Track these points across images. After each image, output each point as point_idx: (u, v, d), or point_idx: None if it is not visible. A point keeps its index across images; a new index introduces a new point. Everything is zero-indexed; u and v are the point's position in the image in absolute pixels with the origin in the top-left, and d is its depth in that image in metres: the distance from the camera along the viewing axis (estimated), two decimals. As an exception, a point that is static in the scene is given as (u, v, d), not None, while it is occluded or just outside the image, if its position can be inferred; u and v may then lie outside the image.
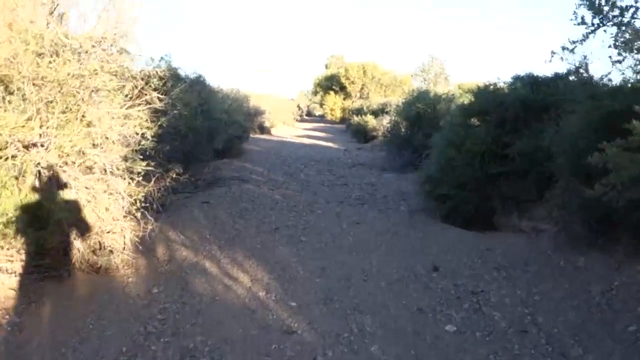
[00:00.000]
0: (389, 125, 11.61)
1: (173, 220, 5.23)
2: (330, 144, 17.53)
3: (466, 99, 6.64)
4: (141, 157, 4.37)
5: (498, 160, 5.36)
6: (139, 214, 4.09)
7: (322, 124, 33.75)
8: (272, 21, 72.41)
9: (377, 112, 19.57)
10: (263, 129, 20.67)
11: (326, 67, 40.14)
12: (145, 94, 4.36)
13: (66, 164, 3.68)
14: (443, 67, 45.46)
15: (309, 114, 50.93)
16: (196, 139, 7.82)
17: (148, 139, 4.31)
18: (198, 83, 9.60)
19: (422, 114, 9.60)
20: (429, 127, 9.44)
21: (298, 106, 42.74)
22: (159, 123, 4.99)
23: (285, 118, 28.11)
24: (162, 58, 9.72)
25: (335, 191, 7.48)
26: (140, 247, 4.06)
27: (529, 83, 5.71)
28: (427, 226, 5.48)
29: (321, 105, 38.86)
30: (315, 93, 41.34)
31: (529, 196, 5.13)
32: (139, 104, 4.25)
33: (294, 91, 55.89)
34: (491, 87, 5.81)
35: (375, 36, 67.10)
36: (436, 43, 68.44)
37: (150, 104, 4.53)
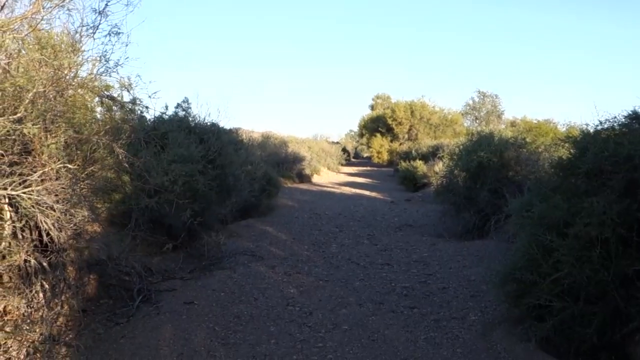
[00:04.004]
0: (443, 176, 9.55)
1: (123, 349, 3.50)
2: (374, 194, 15.55)
3: (562, 151, 4.53)
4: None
5: (634, 251, 3.27)
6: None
7: (368, 168, 31.95)
8: (318, 63, 72.59)
9: (427, 156, 17.55)
10: (302, 177, 19.06)
11: (371, 108, 38.52)
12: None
13: None
14: (495, 103, 42.72)
15: (356, 155, 49.32)
16: (201, 201, 6.26)
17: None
18: (211, 132, 8.12)
19: (485, 165, 7.52)
20: (496, 181, 7.41)
21: (344, 149, 41.22)
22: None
23: (330, 163, 26.64)
24: (178, 105, 8.44)
25: (374, 277, 5.46)
26: None
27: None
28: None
29: (368, 147, 36.96)
30: (361, 135, 39.64)
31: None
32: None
33: (340, 132, 54.62)
34: (606, 132, 3.75)
35: (421, 71, 65.38)
36: (484, 75, 65.67)
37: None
